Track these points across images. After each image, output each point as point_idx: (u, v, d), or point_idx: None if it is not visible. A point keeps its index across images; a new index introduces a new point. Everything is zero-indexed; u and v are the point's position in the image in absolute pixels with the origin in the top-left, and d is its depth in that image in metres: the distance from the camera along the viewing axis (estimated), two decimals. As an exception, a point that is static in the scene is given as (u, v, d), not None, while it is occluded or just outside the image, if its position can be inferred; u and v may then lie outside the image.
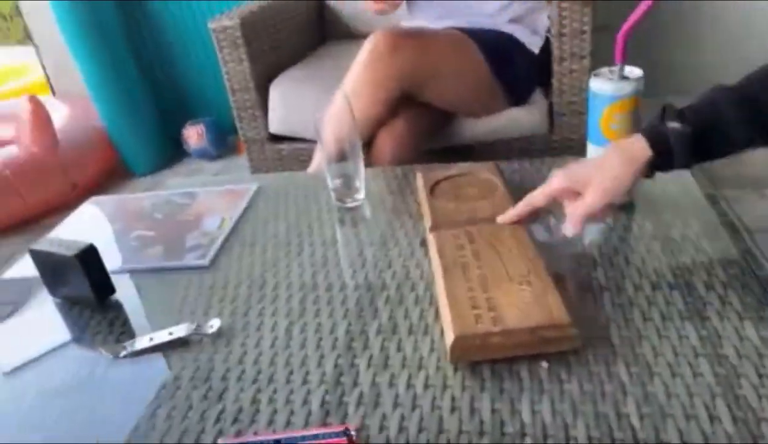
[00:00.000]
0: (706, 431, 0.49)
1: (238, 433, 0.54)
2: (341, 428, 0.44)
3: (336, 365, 0.60)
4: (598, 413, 0.52)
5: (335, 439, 0.43)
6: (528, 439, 0.50)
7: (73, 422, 0.59)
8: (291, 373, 0.60)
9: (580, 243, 0.73)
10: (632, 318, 0.61)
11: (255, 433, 0.53)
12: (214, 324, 0.67)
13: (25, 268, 0.81)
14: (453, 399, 0.55)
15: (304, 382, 0.59)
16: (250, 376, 0.61)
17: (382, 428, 0.53)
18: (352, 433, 0.43)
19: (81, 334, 0.72)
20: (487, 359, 0.58)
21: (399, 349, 0.61)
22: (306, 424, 0.54)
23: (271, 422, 0.55)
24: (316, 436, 0.44)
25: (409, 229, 0.81)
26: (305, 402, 0.57)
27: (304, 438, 0.44)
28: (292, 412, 0.56)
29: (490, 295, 0.60)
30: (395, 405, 0.55)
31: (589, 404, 0.52)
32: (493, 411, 0.53)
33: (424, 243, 0.76)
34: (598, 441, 0.49)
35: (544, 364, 0.57)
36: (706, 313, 0.60)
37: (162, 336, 0.67)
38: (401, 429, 0.52)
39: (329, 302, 0.69)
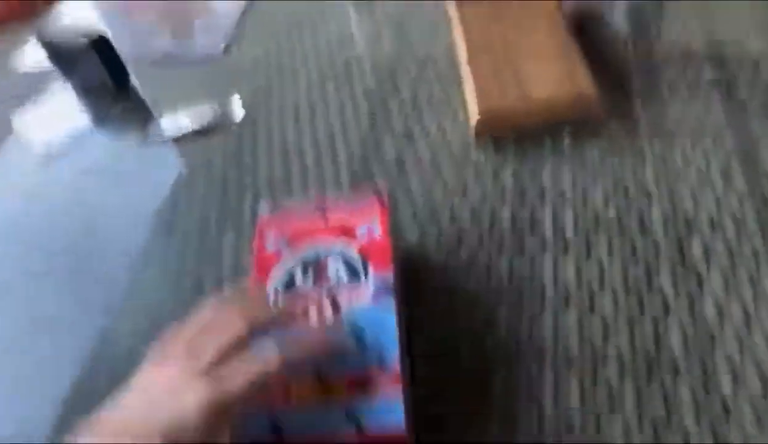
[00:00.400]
0: (718, 192, 0.51)
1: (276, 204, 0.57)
2: (373, 193, 0.46)
3: (361, 142, 0.62)
4: (616, 179, 0.54)
5: (368, 205, 0.46)
6: (547, 203, 0.53)
7: (116, 197, 0.62)
8: (318, 151, 0.62)
9: (612, 20, 0.69)
10: (659, 91, 0.60)
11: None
12: (237, 108, 0.68)
13: (35, 59, 0.79)
14: (476, 170, 0.57)
15: (333, 159, 0.61)
16: (279, 155, 0.63)
17: (408, 195, 0.56)
18: (384, 196, 0.46)
19: (106, 121, 0.72)
20: (512, 133, 0.59)
21: (422, 126, 0.62)
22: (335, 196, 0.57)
23: (304, 191, 0.58)
24: (350, 202, 0.46)
25: (431, 6, 0.77)
26: (336, 177, 0.59)
27: (340, 202, 0.46)
28: (323, 183, 0.58)
29: (517, 68, 0.59)
30: (421, 177, 0.57)
31: (609, 171, 0.54)
32: (515, 178, 0.55)
33: (448, 18, 0.73)
34: (614, 203, 0.52)
35: (567, 134, 0.58)
36: (736, 86, 0.60)
37: (187, 121, 0.67)
38: (427, 198, 0.55)
39: (349, 82, 0.69)
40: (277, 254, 0.44)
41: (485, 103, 0.58)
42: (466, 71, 0.62)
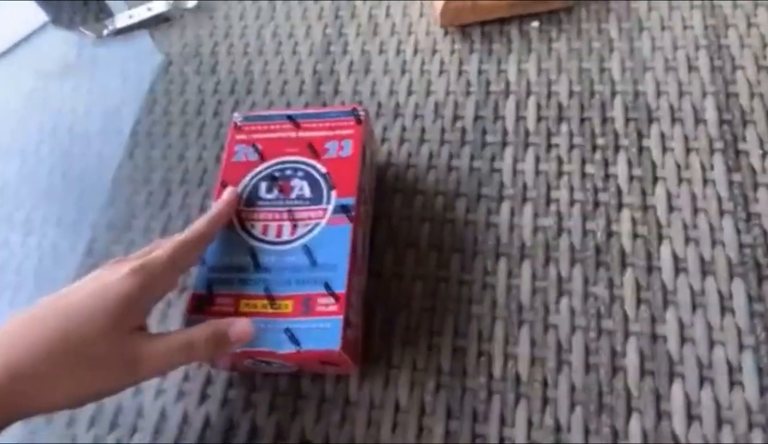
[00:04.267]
0: (682, 81, 0.51)
1: (236, 105, 0.57)
2: (350, 108, 0.45)
3: (324, 34, 0.60)
4: (581, 69, 0.53)
5: (344, 119, 0.45)
6: (512, 97, 0.53)
7: (78, 102, 0.61)
8: (280, 43, 0.60)
9: None
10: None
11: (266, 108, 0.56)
12: (191, -3, 0.64)
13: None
14: (442, 63, 0.56)
15: (294, 52, 0.59)
16: (239, 49, 0.61)
17: (372, 93, 0.55)
18: (361, 113, 0.45)
19: (59, 15, 0.69)
20: (478, 21, 0.57)
21: (387, 15, 0.60)
22: (300, 93, 0.56)
23: (266, 93, 0.57)
24: (326, 114, 0.45)
25: None
26: (297, 71, 0.58)
27: (314, 115, 0.45)
28: (285, 82, 0.57)
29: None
30: (385, 71, 0.56)
31: (575, 61, 0.54)
32: (480, 72, 0.54)
33: None
34: (578, 94, 0.52)
35: (535, 24, 0.56)
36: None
37: (141, 12, 0.64)
38: (391, 93, 0.55)
39: (312, -32, 0.65)
40: (246, 164, 0.45)
41: (450, -9, 0.55)
42: (431, -46, 0.59)
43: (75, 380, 0.32)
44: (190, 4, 0.64)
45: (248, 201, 0.43)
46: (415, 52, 0.57)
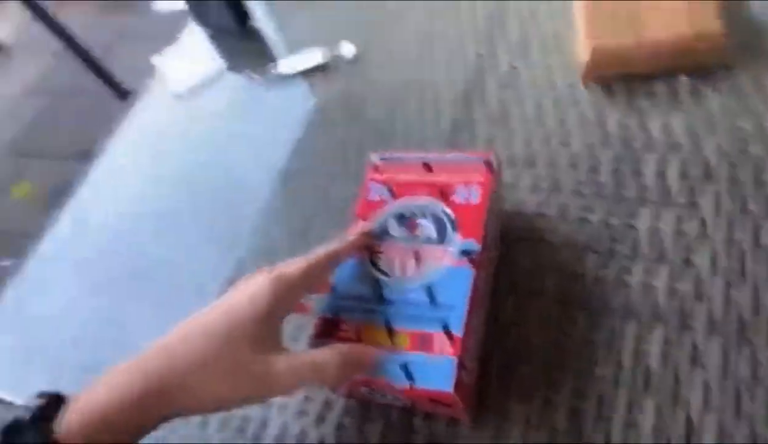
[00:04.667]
0: None
1: (378, 146, 0.60)
2: (483, 156, 0.46)
3: (465, 84, 0.62)
4: (735, 127, 0.50)
5: (476, 165, 0.46)
6: (654, 153, 0.51)
7: (242, 142, 0.69)
8: (422, 92, 0.63)
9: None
10: (802, 25, 0.54)
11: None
12: (349, 49, 0.70)
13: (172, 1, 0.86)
14: (581, 115, 0.55)
15: (435, 100, 0.62)
16: (385, 97, 0.65)
17: (508, 142, 0.56)
18: (493, 162, 0.46)
19: (232, 61, 0.78)
20: (622, 75, 0.56)
21: (528, 66, 0.61)
22: (437, 138, 0.59)
23: (406, 136, 0.60)
24: (458, 160, 0.47)
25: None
26: (436, 118, 0.60)
27: (447, 160, 0.47)
28: (424, 128, 0.60)
29: (634, 5, 0.55)
30: (522, 120, 0.57)
31: (727, 118, 0.50)
32: (622, 126, 0.53)
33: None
34: (728, 154, 0.49)
35: (684, 79, 0.54)
36: None
37: (302, 61, 0.71)
38: (527, 142, 0.55)
39: (457, 20, 0.68)
40: (380, 203, 0.48)
41: (596, 42, 0.55)
42: (578, 8, 0.59)
43: (211, 393, 0.36)
44: (349, 56, 0.70)
45: (379, 236, 0.46)
46: (555, 103, 0.57)
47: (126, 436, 0.35)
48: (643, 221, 0.47)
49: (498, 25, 0.65)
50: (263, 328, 0.37)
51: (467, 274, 0.42)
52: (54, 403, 0.35)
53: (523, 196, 0.52)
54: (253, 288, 0.38)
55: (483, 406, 0.42)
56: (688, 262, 0.44)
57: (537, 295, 0.46)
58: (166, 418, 0.36)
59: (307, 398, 0.47)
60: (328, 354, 0.39)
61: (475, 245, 0.43)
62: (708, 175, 0.48)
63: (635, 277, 0.45)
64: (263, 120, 0.69)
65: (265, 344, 0.37)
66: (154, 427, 0.36)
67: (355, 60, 0.70)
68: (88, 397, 0.35)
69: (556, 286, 0.46)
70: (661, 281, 0.44)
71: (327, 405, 0.46)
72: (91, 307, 0.60)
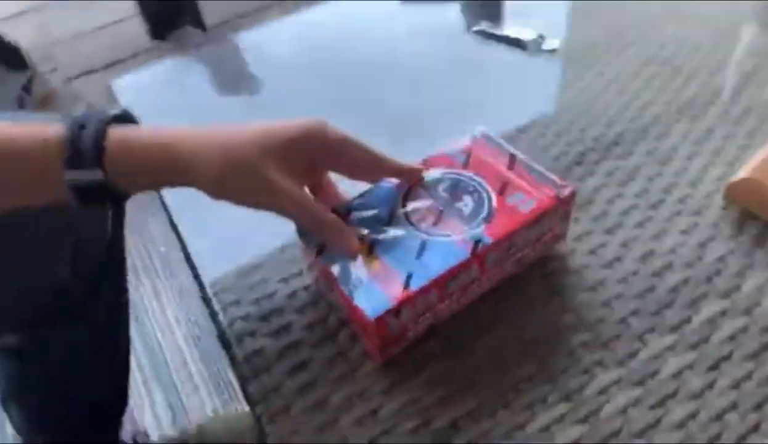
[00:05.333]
0: None
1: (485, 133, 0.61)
2: (564, 187, 0.46)
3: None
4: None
5: (549, 187, 0.46)
6: None
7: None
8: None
9: None
10: None
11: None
12: (552, 43, 0.70)
13: None
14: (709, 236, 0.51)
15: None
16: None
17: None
18: (564, 193, 0.46)
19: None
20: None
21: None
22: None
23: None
24: (539, 175, 0.47)
25: None
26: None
27: (531, 169, 0.48)
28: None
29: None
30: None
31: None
32: (744, 260, 0.48)
33: None
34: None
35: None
36: None
37: (513, 30, 0.72)
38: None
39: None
40: (450, 163, 0.49)
41: (751, 171, 0.50)
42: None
43: (220, 173, 0.39)
44: (551, 46, 0.70)
45: (425, 185, 0.48)
46: (687, 215, 0.53)
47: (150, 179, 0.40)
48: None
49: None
50: (290, 149, 0.40)
51: (461, 255, 0.43)
52: (120, 119, 0.38)
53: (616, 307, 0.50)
54: (309, 119, 0.41)
55: (403, 364, 0.44)
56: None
57: (518, 335, 0.46)
58: (171, 181, 0.40)
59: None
60: (321, 210, 0.41)
61: (487, 239, 0.43)
62: None
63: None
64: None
65: (283, 163, 0.40)
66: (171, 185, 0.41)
67: (555, 52, 0.70)
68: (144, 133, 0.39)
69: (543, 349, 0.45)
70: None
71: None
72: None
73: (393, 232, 0.45)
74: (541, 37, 0.71)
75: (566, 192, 0.46)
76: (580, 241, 0.51)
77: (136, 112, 0.40)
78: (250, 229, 0.51)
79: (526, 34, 0.72)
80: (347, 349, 0.46)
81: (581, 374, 0.43)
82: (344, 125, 0.42)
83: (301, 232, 0.46)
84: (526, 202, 0.46)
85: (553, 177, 0.47)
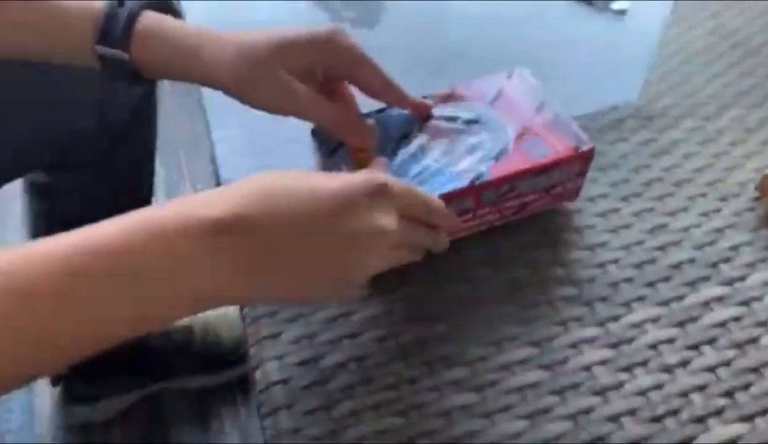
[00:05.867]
0: None
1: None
2: (585, 143, 0.45)
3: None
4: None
5: (570, 141, 0.45)
6: None
7: None
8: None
9: None
10: None
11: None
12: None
13: None
14: (737, 229, 0.49)
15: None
16: (599, 60, 0.62)
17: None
18: (583, 148, 0.45)
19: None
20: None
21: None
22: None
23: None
24: (567, 126, 0.46)
25: None
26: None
27: (559, 118, 0.46)
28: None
29: None
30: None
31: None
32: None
33: None
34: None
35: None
36: None
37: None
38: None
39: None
40: (478, 96, 0.49)
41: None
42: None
43: (237, 69, 0.41)
44: (621, 7, 0.67)
45: (445, 117, 0.48)
46: (717, 205, 0.51)
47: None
48: None
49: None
50: (299, 50, 0.42)
51: (458, 185, 0.43)
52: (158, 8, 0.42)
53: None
54: (319, 24, 0.42)
55: (386, 280, 0.44)
56: None
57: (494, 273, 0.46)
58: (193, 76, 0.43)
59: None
60: (338, 108, 0.43)
61: (487, 175, 0.43)
62: None
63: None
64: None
65: (293, 62, 0.41)
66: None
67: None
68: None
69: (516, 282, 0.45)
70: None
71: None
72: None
73: (397, 149, 0.46)
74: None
75: (584, 148, 0.45)
76: (592, 202, 0.50)
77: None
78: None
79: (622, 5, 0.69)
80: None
81: (555, 325, 0.43)
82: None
83: (315, 132, 0.47)
84: (541, 149, 0.45)
85: (579, 132, 0.46)
